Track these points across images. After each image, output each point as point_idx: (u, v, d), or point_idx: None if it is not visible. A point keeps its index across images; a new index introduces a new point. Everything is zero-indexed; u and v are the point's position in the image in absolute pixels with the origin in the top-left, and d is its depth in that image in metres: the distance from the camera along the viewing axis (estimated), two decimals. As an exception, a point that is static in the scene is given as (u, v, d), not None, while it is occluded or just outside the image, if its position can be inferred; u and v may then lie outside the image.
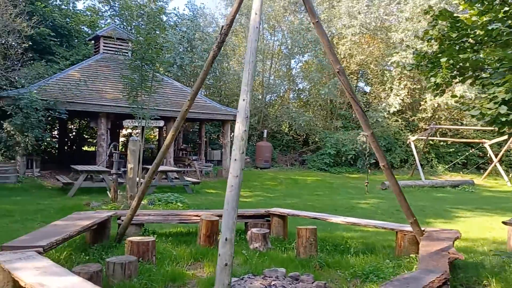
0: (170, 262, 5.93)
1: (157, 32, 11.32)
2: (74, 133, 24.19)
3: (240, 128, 3.59)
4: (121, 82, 17.16)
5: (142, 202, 10.58)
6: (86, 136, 25.50)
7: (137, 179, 10.25)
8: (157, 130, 29.16)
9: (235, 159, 3.69)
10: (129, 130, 26.57)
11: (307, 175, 21.07)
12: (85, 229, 5.72)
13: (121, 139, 24.68)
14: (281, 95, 28.00)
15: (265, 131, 23.71)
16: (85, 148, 24.88)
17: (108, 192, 10.93)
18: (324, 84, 23.52)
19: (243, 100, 3.59)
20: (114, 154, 9.93)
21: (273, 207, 8.53)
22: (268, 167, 23.27)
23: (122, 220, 7.04)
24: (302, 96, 28.70)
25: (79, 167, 12.91)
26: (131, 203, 9.92)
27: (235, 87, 25.92)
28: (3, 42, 17.01)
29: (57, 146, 21.69)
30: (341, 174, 22.97)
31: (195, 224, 7.65)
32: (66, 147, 22.40)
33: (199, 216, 7.52)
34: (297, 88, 28.73)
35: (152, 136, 28.78)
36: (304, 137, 27.66)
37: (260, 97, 26.84)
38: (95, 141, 25.95)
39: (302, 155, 25.86)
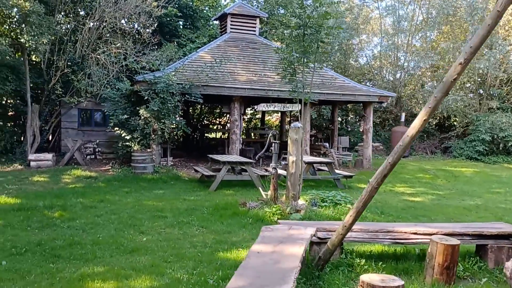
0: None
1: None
2: (195, 120, 23.52)
3: None
4: (253, 63, 15.70)
5: (303, 202, 8.76)
6: (206, 122, 24.80)
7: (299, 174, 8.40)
8: (276, 115, 27.64)
9: None
10: (249, 116, 25.35)
11: (459, 166, 17.78)
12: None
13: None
14: (414, 72, 24.55)
15: (403, 114, 20.75)
16: (207, 135, 24.16)
17: (260, 188, 9.29)
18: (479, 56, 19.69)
19: None
20: (274, 144, 8.17)
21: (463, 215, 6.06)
22: (407, 156, 20.36)
23: (319, 237, 5.17)
24: (436, 73, 24.90)
25: (219, 157, 11.54)
26: (296, 205, 8.15)
27: (364, 65, 23.22)
28: (132, 26, 16.44)
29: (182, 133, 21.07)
30: (498, 164, 19.21)
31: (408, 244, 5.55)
32: (189, 134, 21.74)
33: (419, 234, 5.40)
34: (431, 63, 25.00)
35: (272, 122, 27.28)
36: (439, 120, 24.01)
37: (392, 77, 23.78)
38: (215, 127, 25.21)
39: (443, 142, 22.40)
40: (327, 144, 18.29)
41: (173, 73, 12.69)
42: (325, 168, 12.58)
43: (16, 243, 5.80)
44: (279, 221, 5.88)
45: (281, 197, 8.67)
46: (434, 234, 5.29)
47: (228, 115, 24.04)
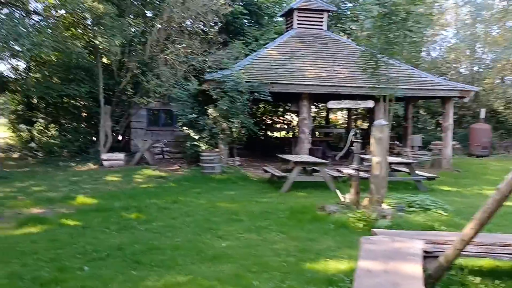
0: None
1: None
2: (258, 118, 23.22)
3: None
4: (322, 59, 15.05)
5: (388, 206, 8.05)
6: (269, 121, 24.42)
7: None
8: (336, 112, 26.74)
9: None
10: (313, 114, 24.61)
11: (550, 167, 16.05)
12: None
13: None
14: (493, 65, 22.62)
15: (483, 110, 19.12)
16: (270, 134, 23.78)
17: (338, 191, 8.69)
18: None
19: None
20: (355, 143, 7.56)
21: None
22: (487, 155, 18.80)
23: (425, 251, 4.52)
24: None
25: (290, 157, 11.08)
26: (382, 210, 7.48)
27: (436, 57, 21.72)
28: (198, 25, 16.41)
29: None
30: None
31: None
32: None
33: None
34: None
35: (335, 119, 26.40)
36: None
37: (467, 71, 22.06)
38: (278, 125, 24.76)
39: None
40: (397, 143, 17.25)
41: (242, 71, 12.40)
42: (402, 169, 11.73)
43: (97, 247, 5.68)
44: (373, 230, 5.28)
45: (362, 201, 8.03)
46: None
47: (291, 114, 23.58)
